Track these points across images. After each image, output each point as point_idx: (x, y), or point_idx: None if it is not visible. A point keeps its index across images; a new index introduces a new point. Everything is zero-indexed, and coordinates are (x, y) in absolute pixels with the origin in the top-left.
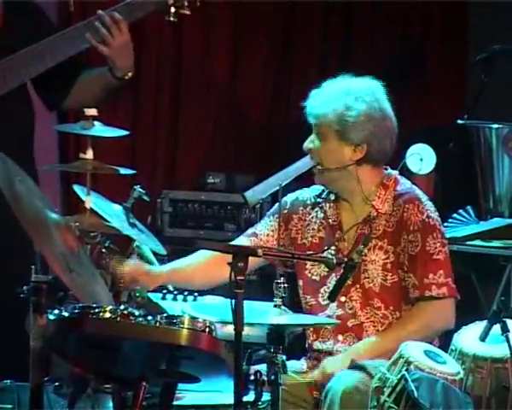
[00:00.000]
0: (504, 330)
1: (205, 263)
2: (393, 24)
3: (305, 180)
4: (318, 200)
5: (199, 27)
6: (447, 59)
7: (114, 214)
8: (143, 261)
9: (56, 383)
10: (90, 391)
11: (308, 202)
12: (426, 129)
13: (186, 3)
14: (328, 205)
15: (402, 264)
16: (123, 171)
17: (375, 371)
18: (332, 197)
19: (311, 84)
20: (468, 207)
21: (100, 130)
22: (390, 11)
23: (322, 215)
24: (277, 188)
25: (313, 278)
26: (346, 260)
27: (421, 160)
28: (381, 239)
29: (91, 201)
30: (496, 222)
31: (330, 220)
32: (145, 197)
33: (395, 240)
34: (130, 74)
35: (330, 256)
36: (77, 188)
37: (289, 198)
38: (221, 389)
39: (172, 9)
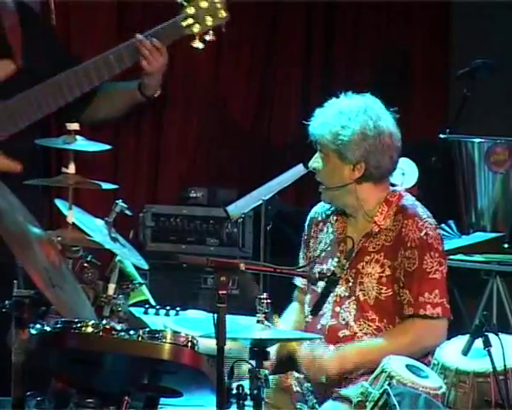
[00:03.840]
0: (486, 344)
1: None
2: (376, 38)
3: (287, 195)
4: (328, 213)
5: (182, 44)
6: (430, 73)
7: (96, 229)
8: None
9: (38, 398)
10: (72, 406)
11: (319, 218)
12: (408, 143)
13: (211, 30)
14: (335, 218)
15: (398, 279)
16: (105, 185)
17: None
18: (340, 211)
19: (293, 100)
20: (451, 222)
21: (82, 144)
22: (373, 25)
23: (331, 230)
24: (260, 202)
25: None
26: (328, 274)
27: (404, 174)
28: (379, 253)
29: (73, 215)
30: (478, 236)
31: (337, 234)
32: (127, 212)
33: (392, 254)
34: (158, 92)
35: (315, 271)
36: (59, 202)
37: (307, 222)
38: (203, 404)
39: (198, 36)
